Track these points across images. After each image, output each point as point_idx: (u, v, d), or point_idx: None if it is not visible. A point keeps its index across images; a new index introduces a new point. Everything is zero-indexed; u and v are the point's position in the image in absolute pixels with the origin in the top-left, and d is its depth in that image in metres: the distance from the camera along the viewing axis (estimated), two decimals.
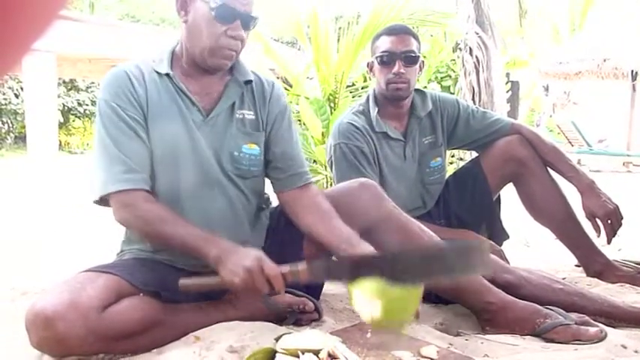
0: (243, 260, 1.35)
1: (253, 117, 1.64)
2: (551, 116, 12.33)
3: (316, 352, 1.23)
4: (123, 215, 1.48)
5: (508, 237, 2.28)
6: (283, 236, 1.68)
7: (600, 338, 1.44)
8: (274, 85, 1.71)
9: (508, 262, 1.98)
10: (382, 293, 1.24)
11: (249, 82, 1.63)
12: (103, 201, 1.50)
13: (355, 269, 1.25)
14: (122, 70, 1.55)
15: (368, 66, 2.21)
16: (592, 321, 1.54)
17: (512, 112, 6.45)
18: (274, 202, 1.76)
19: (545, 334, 1.49)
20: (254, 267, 1.33)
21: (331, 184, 2.80)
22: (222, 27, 1.50)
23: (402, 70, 2.06)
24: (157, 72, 1.56)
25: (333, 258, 1.43)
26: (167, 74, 1.55)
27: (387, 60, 2.08)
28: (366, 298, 1.25)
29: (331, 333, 1.37)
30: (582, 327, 1.48)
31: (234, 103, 1.61)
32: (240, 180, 1.61)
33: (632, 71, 10.54)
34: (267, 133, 1.65)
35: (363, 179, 1.70)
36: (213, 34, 1.50)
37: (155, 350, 1.39)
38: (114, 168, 1.46)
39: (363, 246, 1.47)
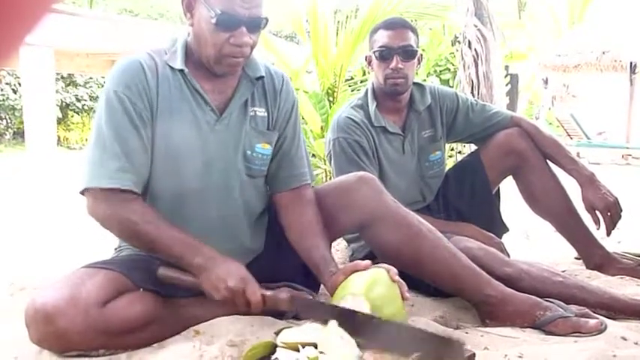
0: (227, 277, 1.35)
1: (265, 115, 1.61)
2: (550, 109, 12.32)
3: (316, 346, 1.23)
4: (102, 211, 1.43)
5: (508, 230, 2.28)
6: (281, 236, 1.66)
7: (600, 330, 1.44)
8: (284, 80, 1.67)
9: (508, 255, 1.98)
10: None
11: (260, 77, 1.60)
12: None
13: (335, 318, 1.27)
14: (136, 60, 1.49)
15: (366, 59, 2.20)
16: (592, 313, 1.54)
17: (512, 105, 6.45)
18: None
19: (545, 327, 1.49)
20: (236, 288, 1.34)
21: (330, 179, 2.80)
22: (225, 35, 1.43)
23: (399, 65, 2.05)
24: (171, 66, 1.51)
25: (317, 300, 1.46)
26: (181, 70, 1.50)
27: (384, 55, 2.07)
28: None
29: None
30: (582, 319, 1.48)
31: (247, 100, 1.58)
32: (250, 180, 1.60)
33: (631, 64, 10.53)
34: (277, 132, 1.64)
35: (361, 173, 1.69)
36: (216, 42, 1.44)
37: (155, 345, 1.39)
38: (108, 163, 1.41)
39: (329, 272, 1.46)
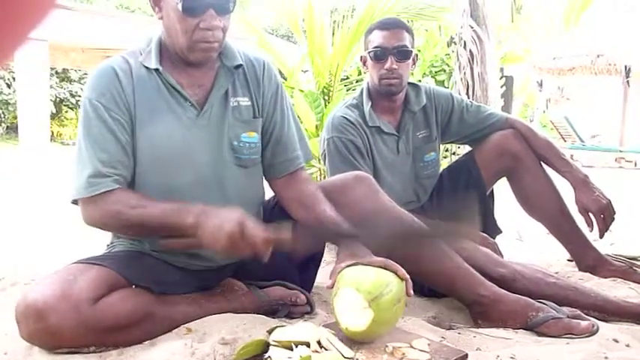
0: (223, 224, 1.31)
1: (249, 103, 1.60)
2: (544, 111, 12.35)
3: (309, 345, 1.23)
4: (93, 215, 1.44)
5: (501, 231, 2.29)
6: None
7: (592, 332, 1.45)
8: (265, 65, 1.65)
9: (502, 256, 1.98)
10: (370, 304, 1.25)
11: (239, 66, 1.59)
12: (75, 202, 1.48)
13: (338, 232, 1.28)
14: (109, 66, 1.49)
15: (361, 60, 2.20)
16: (584, 315, 1.54)
17: (506, 107, 6.46)
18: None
19: (537, 328, 1.50)
20: (235, 231, 1.30)
21: (324, 178, 2.80)
22: (194, 20, 1.43)
23: (394, 66, 2.05)
24: (146, 67, 1.50)
25: (320, 227, 1.45)
26: (156, 69, 1.50)
27: (379, 55, 2.07)
28: (352, 309, 1.26)
29: (324, 325, 1.37)
30: (574, 320, 1.49)
31: (227, 91, 1.57)
32: (241, 170, 1.59)
33: (626, 67, 10.56)
34: (264, 119, 1.63)
35: (358, 172, 1.69)
36: (187, 29, 1.44)
37: (147, 342, 1.38)
38: (84, 172, 1.42)
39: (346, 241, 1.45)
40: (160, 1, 1.48)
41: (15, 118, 12.44)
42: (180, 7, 1.42)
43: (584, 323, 1.47)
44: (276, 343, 1.25)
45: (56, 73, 15.74)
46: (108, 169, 1.42)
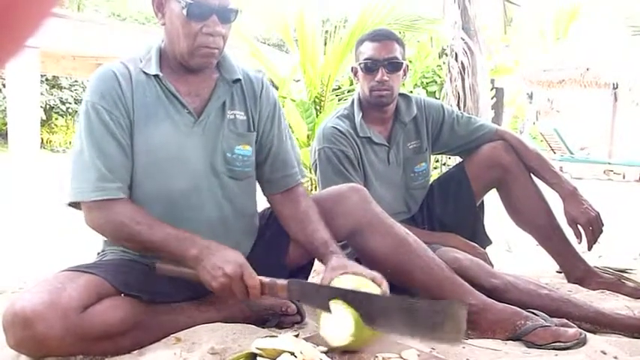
0: (224, 264, 1.35)
1: (244, 117, 1.62)
2: (534, 123, 12.45)
3: (294, 354, 1.22)
4: (96, 221, 1.45)
5: (491, 242, 2.30)
6: (270, 240, 1.67)
7: (579, 339, 1.45)
8: (264, 83, 1.68)
9: (492, 266, 1.99)
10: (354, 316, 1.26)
11: (237, 80, 1.61)
12: (75, 204, 1.48)
13: (332, 299, 1.29)
14: (110, 70, 1.51)
15: (352, 71, 2.21)
16: (571, 323, 1.55)
17: (497, 119, 6.51)
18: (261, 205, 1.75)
19: (526, 336, 1.50)
20: (234, 274, 1.34)
21: (316, 187, 2.80)
22: (197, 25, 1.46)
23: (385, 78, 2.06)
24: (145, 73, 1.52)
25: (314, 282, 1.45)
26: (156, 75, 1.51)
27: (370, 67, 2.08)
28: (338, 319, 1.26)
29: (314, 336, 1.36)
30: (562, 328, 1.50)
31: (225, 103, 1.59)
32: (234, 182, 1.60)
33: (614, 83, 10.69)
34: (259, 134, 1.64)
35: (352, 183, 1.72)
36: (189, 33, 1.46)
37: (136, 352, 1.37)
38: (89, 175, 1.43)
39: (334, 256, 1.48)
40: (163, 7, 1.50)
41: (5, 124, 12.36)
42: (185, 12, 1.44)
43: (571, 330, 1.48)
44: (259, 350, 1.24)
45: (46, 80, 15.68)
46: (111, 173, 1.44)
